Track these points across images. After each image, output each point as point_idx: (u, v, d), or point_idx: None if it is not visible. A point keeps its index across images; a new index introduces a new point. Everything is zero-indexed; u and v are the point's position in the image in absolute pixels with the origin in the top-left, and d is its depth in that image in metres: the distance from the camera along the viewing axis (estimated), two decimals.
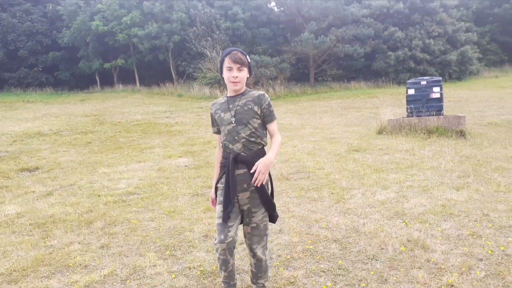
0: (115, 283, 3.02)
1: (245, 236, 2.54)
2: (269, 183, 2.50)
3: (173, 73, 25.70)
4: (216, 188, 2.54)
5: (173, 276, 3.08)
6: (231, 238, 2.35)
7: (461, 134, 8.36)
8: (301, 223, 4.04)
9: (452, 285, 2.72)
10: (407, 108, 9.28)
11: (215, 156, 2.64)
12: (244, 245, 3.29)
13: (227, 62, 2.36)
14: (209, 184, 5.55)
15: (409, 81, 9.61)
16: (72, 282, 3.05)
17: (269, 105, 2.42)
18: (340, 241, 3.55)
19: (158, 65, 27.00)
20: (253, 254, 2.51)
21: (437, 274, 2.88)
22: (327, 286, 2.82)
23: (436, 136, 8.39)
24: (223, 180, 2.44)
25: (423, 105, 9.00)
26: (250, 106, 2.38)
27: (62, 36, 25.97)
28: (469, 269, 2.92)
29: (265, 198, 2.42)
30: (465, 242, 3.38)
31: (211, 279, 3.00)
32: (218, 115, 2.47)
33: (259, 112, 2.39)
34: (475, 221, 3.83)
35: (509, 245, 3.26)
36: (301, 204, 4.66)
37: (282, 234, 3.78)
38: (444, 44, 24.10)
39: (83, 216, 4.58)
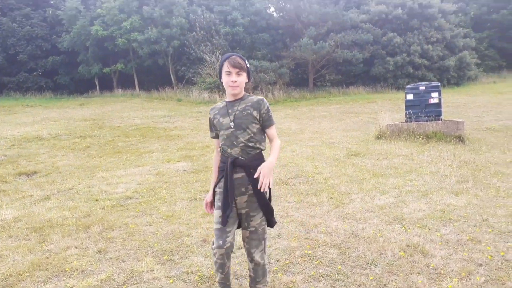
0: None
1: (243, 241, 2.53)
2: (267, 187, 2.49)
3: (172, 78, 25.74)
4: (214, 193, 2.53)
5: (171, 281, 3.05)
6: (229, 244, 2.37)
7: (460, 139, 8.37)
8: (300, 228, 4.03)
9: None
10: (405, 113, 9.29)
11: (213, 161, 2.64)
12: (243, 250, 3.27)
13: (226, 67, 2.37)
14: (208, 188, 5.52)
15: (407, 86, 9.63)
16: (68, 287, 3.02)
17: (268, 110, 2.43)
18: (339, 246, 3.53)
19: (157, 69, 27.05)
20: (251, 258, 2.50)
21: (437, 280, 2.86)
22: None
23: (435, 141, 8.39)
24: (220, 184, 2.45)
25: (422, 110, 9.02)
26: (249, 111, 2.39)
27: (61, 40, 26.02)
28: (469, 275, 2.90)
29: (263, 202, 2.42)
30: (465, 247, 3.37)
31: (208, 284, 2.97)
32: (217, 119, 2.47)
33: (258, 117, 2.40)
34: (474, 226, 3.82)
35: (508, 251, 3.24)
36: (300, 209, 4.64)
37: (281, 239, 3.76)
38: (443, 50, 24.21)
39: (80, 221, 4.55)
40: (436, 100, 8.94)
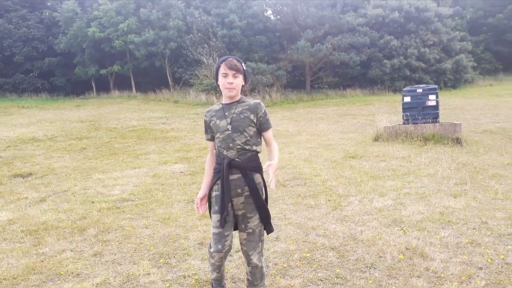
0: None
1: (241, 243, 2.51)
2: (264, 189, 2.49)
3: (169, 80, 25.68)
4: (210, 195, 2.52)
5: (168, 284, 3.01)
6: (227, 247, 2.42)
7: (457, 141, 8.37)
8: (298, 231, 3.99)
9: None
10: (403, 116, 9.30)
11: (206, 162, 2.63)
12: (240, 253, 3.23)
13: (222, 69, 2.37)
14: None
15: (405, 88, 9.64)
16: None
17: (265, 114, 2.45)
18: (337, 249, 3.50)
19: (154, 71, 26.97)
20: (249, 261, 2.48)
21: (437, 283, 2.83)
22: None
23: (432, 143, 8.39)
24: (216, 187, 2.45)
25: (419, 112, 9.03)
26: (246, 114, 2.39)
27: (58, 42, 25.91)
28: (469, 278, 2.87)
29: (260, 203, 2.41)
30: (464, 250, 3.34)
31: None
32: (213, 122, 2.47)
33: (255, 121, 2.41)
34: (473, 229, 3.80)
35: (508, 254, 3.22)
36: (298, 211, 4.61)
37: (279, 242, 3.73)
38: (439, 53, 24.29)
39: (76, 223, 4.50)
40: (433, 103, 8.95)
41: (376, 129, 9.59)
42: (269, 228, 2.48)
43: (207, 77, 21.61)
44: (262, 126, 2.44)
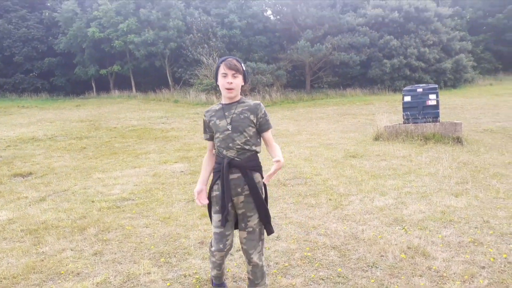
0: None
1: (241, 242, 2.51)
2: (263, 188, 2.50)
3: (169, 80, 25.67)
4: (209, 195, 2.53)
5: (168, 284, 2.99)
6: (229, 246, 2.46)
7: (458, 140, 8.36)
8: (299, 230, 3.97)
9: None
10: (403, 115, 9.29)
11: (204, 160, 2.63)
12: (241, 253, 3.22)
13: (222, 69, 2.37)
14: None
15: (405, 88, 9.62)
16: None
17: (265, 114, 2.45)
18: (339, 248, 3.48)
19: (154, 71, 26.96)
20: (249, 259, 2.48)
21: (439, 282, 2.82)
22: None
23: (433, 142, 8.38)
24: (216, 187, 2.46)
25: (420, 112, 9.01)
26: (246, 115, 2.40)
27: (58, 42, 25.90)
28: (472, 277, 2.86)
29: (260, 202, 2.42)
30: (467, 249, 3.33)
31: (206, 287, 2.91)
32: (213, 122, 2.46)
33: (255, 121, 2.41)
34: (475, 228, 3.78)
35: (511, 253, 3.20)
36: (299, 210, 4.59)
37: (280, 241, 3.71)
38: (439, 53, 24.29)
39: (76, 222, 4.48)
40: (433, 102, 8.94)
41: (376, 128, 9.57)
42: (269, 229, 2.48)
43: (207, 77, 21.61)
44: (262, 127, 2.44)
